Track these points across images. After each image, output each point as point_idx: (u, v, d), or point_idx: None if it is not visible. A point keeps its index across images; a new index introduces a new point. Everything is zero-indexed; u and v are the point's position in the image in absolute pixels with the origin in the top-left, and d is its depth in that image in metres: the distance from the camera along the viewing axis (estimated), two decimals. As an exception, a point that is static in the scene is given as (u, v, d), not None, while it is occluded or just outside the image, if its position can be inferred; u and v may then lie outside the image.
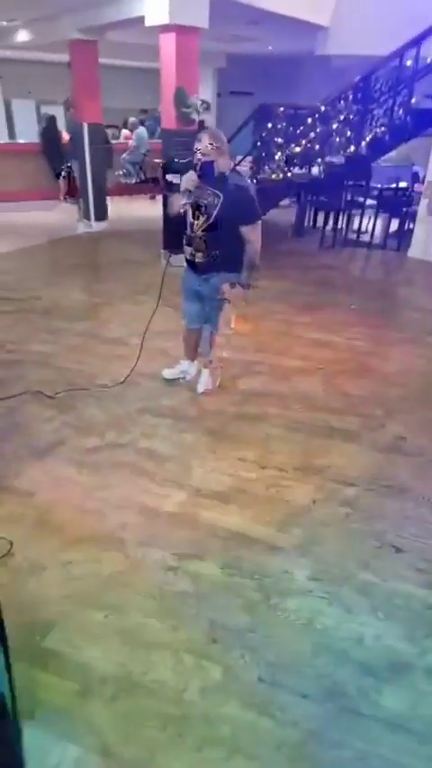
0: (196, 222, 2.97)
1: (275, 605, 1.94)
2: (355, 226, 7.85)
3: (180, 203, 2.92)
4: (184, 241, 3.08)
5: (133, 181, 11.69)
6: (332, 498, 2.51)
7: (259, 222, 2.96)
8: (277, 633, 1.83)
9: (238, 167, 8.73)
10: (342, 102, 7.16)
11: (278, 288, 5.75)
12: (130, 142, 11.92)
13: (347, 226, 7.86)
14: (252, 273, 3.02)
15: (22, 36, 8.40)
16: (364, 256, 7.41)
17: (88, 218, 8.16)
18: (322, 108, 7.12)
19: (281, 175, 7.56)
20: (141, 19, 5.43)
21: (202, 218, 2.95)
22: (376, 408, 3.32)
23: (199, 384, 3.46)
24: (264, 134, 7.66)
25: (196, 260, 3.06)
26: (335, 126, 7.22)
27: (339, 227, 7.80)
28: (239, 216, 2.89)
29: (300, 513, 2.42)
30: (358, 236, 7.81)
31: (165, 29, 5.31)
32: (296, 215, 8.42)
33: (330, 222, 7.98)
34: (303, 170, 7.82)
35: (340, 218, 7.83)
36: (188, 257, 3.10)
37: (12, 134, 12.33)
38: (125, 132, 12.49)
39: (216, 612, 1.89)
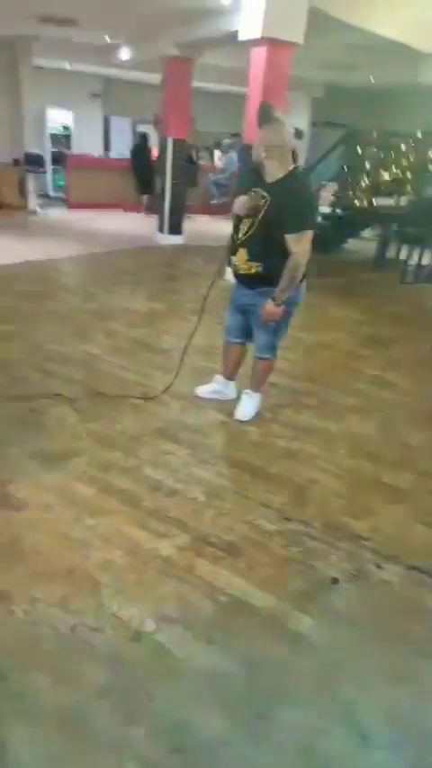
0: (242, 228, 2.64)
1: (266, 713, 1.47)
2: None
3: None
4: (230, 250, 2.75)
5: (215, 201, 11.70)
6: (365, 575, 2.00)
7: (308, 233, 2.56)
8: (260, 755, 1.37)
9: (322, 193, 8.48)
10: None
11: (346, 316, 5.30)
12: (218, 163, 12.01)
13: (434, 262, 7.22)
14: (288, 290, 2.61)
15: (125, 54, 8.64)
16: (448, 296, 6.74)
17: (162, 231, 8.11)
18: (419, 134, 6.64)
19: (365, 203, 7.12)
20: (236, 34, 5.27)
21: (248, 223, 2.61)
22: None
23: (237, 409, 3.07)
24: (352, 159, 7.27)
25: (239, 270, 2.72)
26: (431, 155, 6.71)
27: (425, 263, 7.18)
28: (284, 221, 2.51)
29: (321, 586, 1.94)
30: (445, 275, 7.16)
31: (257, 42, 5.12)
32: (378, 245, 7.89)
33: (415, 257, 7.37)
34: (392, 199, 7.35)
35: (426, 253, 7.21)
36: (233, 267, 2.77)
37: (107, 148, 12.78)
38: (218, 153, 12.65)
39: (187, 709, 1.45)
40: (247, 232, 2.64)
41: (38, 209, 10.19)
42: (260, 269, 2.65)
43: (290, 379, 3.66)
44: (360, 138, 7.20)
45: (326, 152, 7.55)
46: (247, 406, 3.07)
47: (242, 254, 2.67)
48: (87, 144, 11.76)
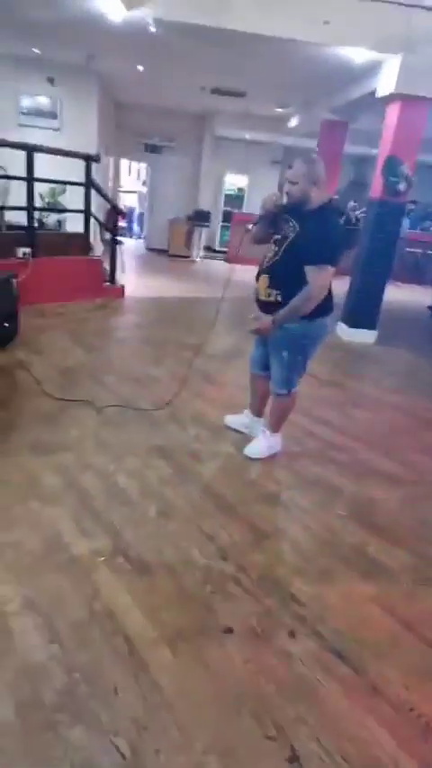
0: (268, 255, 2.59)
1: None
2: None
3: (250, 227, 2.61)
4: (256, 276, 2.71)
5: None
6: (268, 638, 1.70)
7: (328, 268, 2.39)
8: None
9: None
10: None
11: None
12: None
13: None
14: (289, 316, 2.48)
15: (294, 122, 9.23)
16: None
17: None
18: None
19: None
20: (375, 93, 5.32)
21: (273, 251, 2.56)
22: (454, 558, 2.22)
23: (249, 444, 2.92)
24: None
25: (260, 296, 2.65)
26: None
27: None
28: (307, 253, 2.40)
29: (209, 631, 1.70)
30: None
31: (391, 99, 5.08)
32: None
33: None
34: None
35: None
36: (255, 293, 2.70)
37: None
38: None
39: None
40: (272, 259, 2.59)
41: (197, 260, 11.19)
42: (279, 297, 2.56)
43: (334, 432, 3.36)
44: None
45: None
46: (259, 443, 2.91)
47: (264, 280, 2.62)
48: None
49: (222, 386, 3.94)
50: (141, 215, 13.97)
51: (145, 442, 2.89)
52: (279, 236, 2.56)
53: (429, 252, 12.31)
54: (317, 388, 4.15)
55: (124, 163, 13.83)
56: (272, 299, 2.59)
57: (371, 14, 4.62)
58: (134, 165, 14.75)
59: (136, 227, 14.30)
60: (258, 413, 3.08)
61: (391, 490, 2.75)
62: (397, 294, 10.49)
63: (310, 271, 2.41)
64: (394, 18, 4.65)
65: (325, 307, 2.57)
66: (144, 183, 13.50)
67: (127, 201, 14.65)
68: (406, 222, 11.99)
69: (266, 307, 2.64)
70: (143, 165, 13.13)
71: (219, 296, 3.18)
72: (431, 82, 4.82)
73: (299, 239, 2.46)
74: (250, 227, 2.65)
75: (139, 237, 13.70)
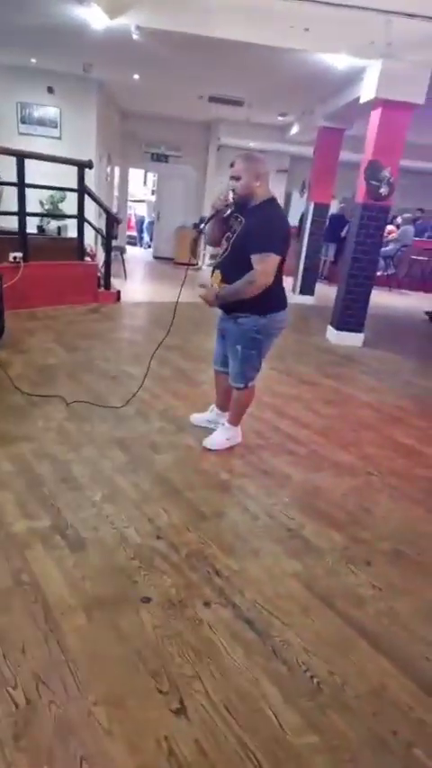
0: (220, 252, 2.72)
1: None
2: None
3: (202, 227, 2.74)
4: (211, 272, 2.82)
5: (380, 273, 11.55)
6: (183, 607, 1.79)
7: (270, 255, 2.49)
8: None
9: None
10: None
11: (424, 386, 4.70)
12: (392, 236, 11.88)
13: None
14: (232, 295, 2.60)
15: (294, 130, 9.37)
16: None
17: (294, 291, 8.31)
18: None
19: None
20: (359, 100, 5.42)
21: (224, 247, 2.67)
22: (384, 541, 2.28)
23: (208, 437, 3.02)
24: None
25: (215, 291, 2.76)
26: None
27: None
28: (251, 243, 2.51)
29: (125, 601, 1.79)
30: None
31: (373, 104, 5.18)
32: None
33: None
34: None
35: None
36: (212, 288, 2.82)
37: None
38: (389, 227, 12.57)
39: None
40: (222, 254, 2.70)
41: (203, 267, 11.36)
42: None
43: (298, 426, 3.44)
44: None
45: None
46: (217, 435, 3.01)
47: (217, 275, 2.73)
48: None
49: (198, 385, 4.05)
50: (151, 224, 14.20)
51: (107, 434, 3.01)
52: (230, 233, 2.68)
53: (437, 259, 12.25)
54: (291, 386, 4.24)
55: (138, 172, 14.14)
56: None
57: (350, 21, 4.73)
58: (149, 175, 15.00)
59: (146, 237, 14.52)
60: (223, 408, 3.17)
61: (342, 480, 2.81)
62: (400, 301, 10.50)
63: (254, 259, 2.51)
64: (374, 24, 4.75)
65: (276, 302, 2.67)
66: (153, 193, 13.75)
67: (137, 211, 14.90)
68: (411, 230, 12.05)
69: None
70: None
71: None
72: (411, 87, 4.89)
73: (243, 232, 2.58)
74: (202, 226, 2.77)
75: (149, 247, 13.93)
